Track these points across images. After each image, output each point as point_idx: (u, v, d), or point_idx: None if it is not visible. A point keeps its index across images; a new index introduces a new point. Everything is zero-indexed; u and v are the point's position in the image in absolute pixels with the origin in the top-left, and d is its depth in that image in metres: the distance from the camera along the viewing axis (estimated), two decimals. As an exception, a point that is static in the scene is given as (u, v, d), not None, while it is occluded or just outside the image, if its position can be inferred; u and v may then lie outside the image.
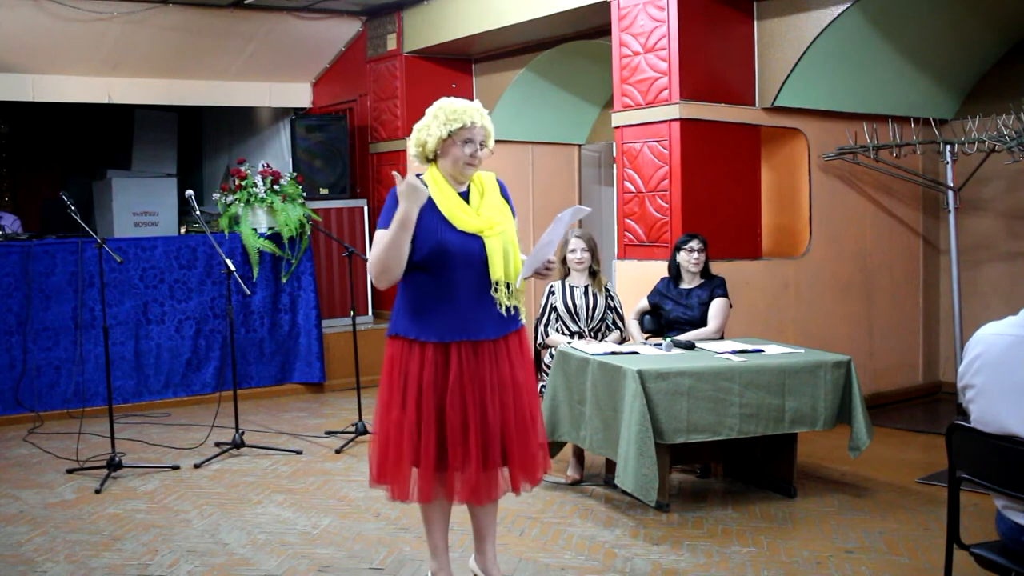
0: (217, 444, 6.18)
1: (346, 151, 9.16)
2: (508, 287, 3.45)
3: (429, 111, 3.47)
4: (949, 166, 6.53)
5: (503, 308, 3.45)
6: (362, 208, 9.09)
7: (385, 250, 3.32)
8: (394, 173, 3.35)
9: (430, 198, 3.39)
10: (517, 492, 3.55)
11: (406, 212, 3.29)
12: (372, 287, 9.07)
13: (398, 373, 3.43)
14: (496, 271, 3.42)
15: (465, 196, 3.48)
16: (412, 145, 3.50)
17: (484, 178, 3.54)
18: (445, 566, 3.66)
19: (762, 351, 5.07)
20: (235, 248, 7.84)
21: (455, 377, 3.38)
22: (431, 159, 3.48)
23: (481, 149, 3.45)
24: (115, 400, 6.33)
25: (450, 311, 3.39)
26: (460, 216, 3.40)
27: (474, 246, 3.40)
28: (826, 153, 7.04)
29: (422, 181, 3.42)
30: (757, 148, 6.82)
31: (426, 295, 3.41)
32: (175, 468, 5.76)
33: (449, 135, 3.39)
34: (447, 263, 3.37)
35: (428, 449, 3.38)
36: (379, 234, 3.39)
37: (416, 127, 3.48)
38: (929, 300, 7.77)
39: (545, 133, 9.22)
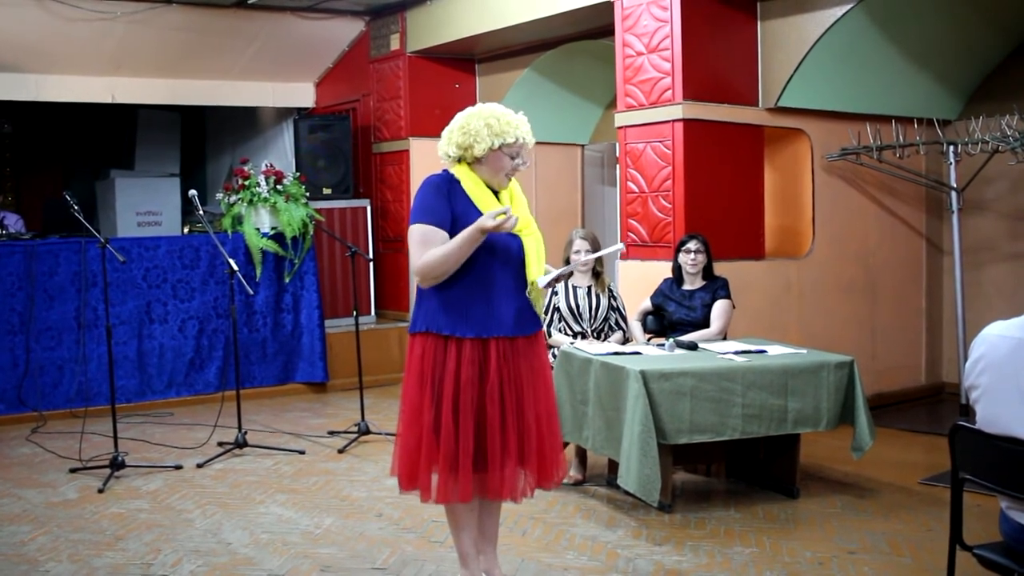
0: (220, 444, 6.18)
1: (349, 151, 9.15)
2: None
3: (476, 117, 3.44)
4: (952, 167, 6.52)
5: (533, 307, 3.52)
6: (365, 208, 9.09)
7: (447, 260, 3.31)
8: (505, 209, 3.31)
9: (468, 195, 3.41)
10: (548, 487, 3.58)
11: (479, 237, 3.29)
12: (375, 287, 9.09)
13: (430, 371, 3.39)
14: (532, 271, 3.47)
15: (495, 196, 3.52)
16: (453, 146, 3.45)
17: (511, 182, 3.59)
18: (477, 574, 3.64)
19: (765, 352, 5.06)
20: (238, 248, 7.85)
21: (495, 373, 3.38)
22: (467, 161, 3.49)
23: (524, 163, 3.49)
24: (118, 400, 6.32)
25: (488, 306, 3.40)
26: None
27: (512, 244, 3.45)
28: (829, 154, 7.03)
29: (451, 177, 3.45)
30: (760, 148, 6.82)
31: (464, 291, 3.39)
32: (178, 468, 5.76)
33: (499, 147, 3.41)
34: (488, 259, 3.39)
35: (467, 447, 3.36)
36: (430, 232, 3.35)
37: (458, 129, 3.45)
38: (932, 301, 7.76)
39: (548, 133, 9.20)
